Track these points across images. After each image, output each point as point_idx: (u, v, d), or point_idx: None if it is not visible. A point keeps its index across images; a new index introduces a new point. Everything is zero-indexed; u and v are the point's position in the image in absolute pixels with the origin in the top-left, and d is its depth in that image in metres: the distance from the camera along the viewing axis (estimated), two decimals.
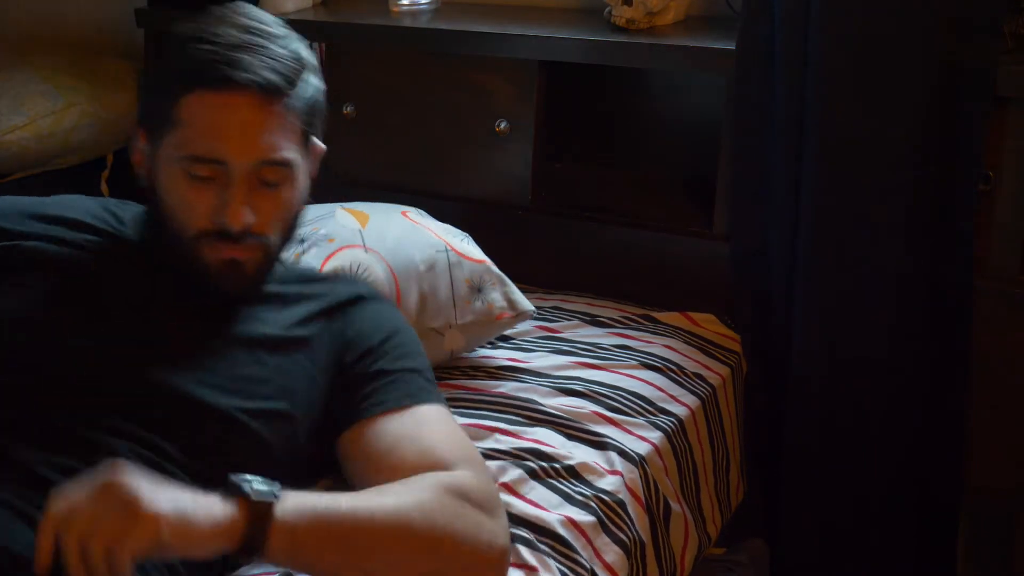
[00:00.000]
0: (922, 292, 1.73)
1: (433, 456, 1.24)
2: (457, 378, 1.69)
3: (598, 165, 2.25)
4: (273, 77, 1.26)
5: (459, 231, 1.81)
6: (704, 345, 1.85)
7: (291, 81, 1.29)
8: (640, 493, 1.50)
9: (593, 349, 1.78)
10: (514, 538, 1.29)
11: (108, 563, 0.98)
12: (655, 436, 1.59)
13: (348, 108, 2.21)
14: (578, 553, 1.35)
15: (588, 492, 1.44)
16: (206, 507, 1.05)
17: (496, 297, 1.73)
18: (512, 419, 1.56)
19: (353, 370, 1.35)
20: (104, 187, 2.42)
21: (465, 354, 1.75)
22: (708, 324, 1.90)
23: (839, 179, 1.72)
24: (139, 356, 1.25)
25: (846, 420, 1.80)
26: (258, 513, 1.06)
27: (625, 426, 1.59)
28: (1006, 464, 1.76)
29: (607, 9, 2.03)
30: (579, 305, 1.96)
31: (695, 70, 2.06)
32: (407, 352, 1.38)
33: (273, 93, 1.27)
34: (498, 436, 1.51)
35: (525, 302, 1.75)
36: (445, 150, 2.14)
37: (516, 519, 1.34)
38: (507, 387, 1.65)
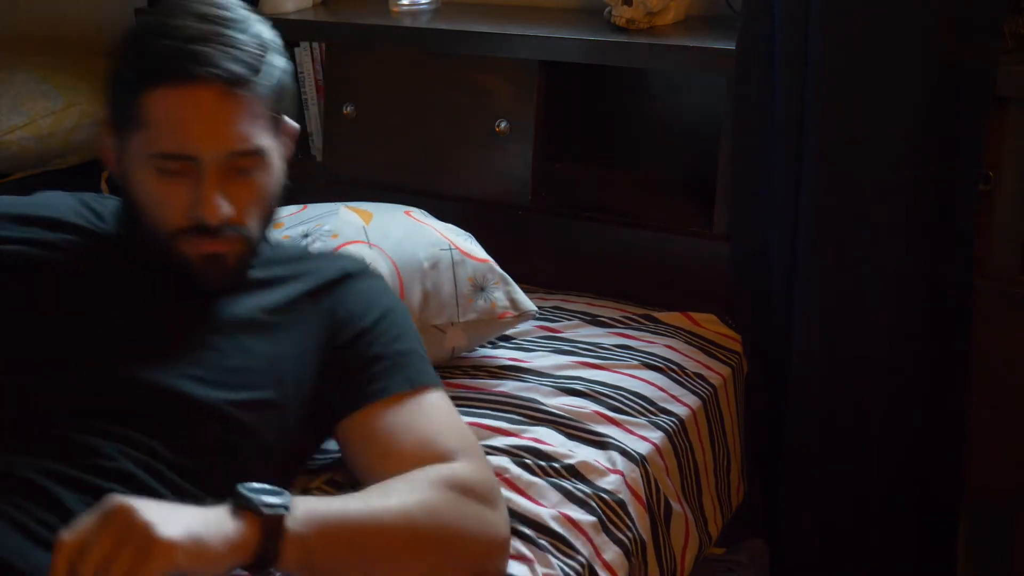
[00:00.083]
0: (922, 292, 1.73)
1: (434, 446, 1.25)
2: (458, 377, 1.69)
3: (598, 165, 2.25)
4: (236, 68, 1.24)
5: (462, 230, 1.81)
6: (705, 345, 1.86)
7: (255, 68, 1.26)
8: (641, 493, 1.50)
9: (594, 349, 1.78)
10: (514, 533, 1.30)
11: None
12: (656, 436, 1.59)
13: (348, 108, 2.21)
14: (578, 551, 1.35)
15: (589, 491, 1.44)
16: (217, 527, 1.04)
17: (499, 296, 1.73)
18: (513, 418, 1.56)
19: (347, 353, 1.33)
20: (104, 187, 2.42)
21: (466, 353, 1.75)
22: (709, 324, 1.90)
23: (839, 179, 1.72)
24: (123, 355, 1.24)
25: (846, 420, 1.80)
26: (270, 527, 1.06)
27: (626, 426, 1.59)
28: (1006, 464, 1.76)
29: (607, 9, 2.03)
30: (580, 305, 1.96)
31: (695, 70, 2.06)
32: (401, 332, 1.37)
33: (238, 83, 1.24)
34: (499, 435, 1.51)
35: (527, 302, 1.75)
36: (445, 150, 2.14)
37: (516, 516, 1.35)
38: (508, 386, 1.66)
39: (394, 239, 1.73)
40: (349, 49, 2.22)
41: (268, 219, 1.33)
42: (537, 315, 1.79)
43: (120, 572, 0.97)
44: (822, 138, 1.71)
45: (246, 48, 1.25)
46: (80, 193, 1.43)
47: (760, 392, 1.90)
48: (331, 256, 1.49)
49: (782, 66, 1.75)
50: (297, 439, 1.33)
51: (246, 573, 1.07)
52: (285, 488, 1.26)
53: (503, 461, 1.45)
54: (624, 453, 1.52)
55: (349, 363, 1.33)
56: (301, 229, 1.76)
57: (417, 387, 1.32)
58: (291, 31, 2.25)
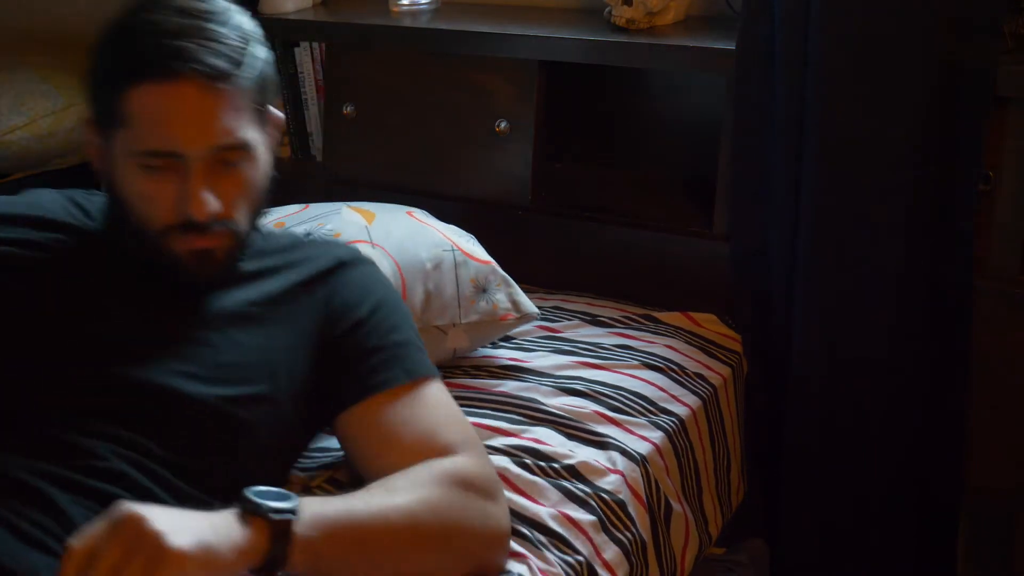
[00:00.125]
0: (922, 292, 1.73)
1: (435, 440, 1.27)
2: (459, 377, 1.69)
3: (598, 165, 2.25)
4: (218, 62, 1.22)
5: (464, 232, 1.81)
6: (705, 345, 1.86)
7: (237, 62, 1.24)
8: (641, 493, 1.50)
9: (594, 349, 1.78)
10: (513, 532, 1.31)
11: None
12: (656, 436, 1.59)
13: (348, 108, 2.21)
14: (577, 551, 1.35)
15: (589, 491, 1.44)
16: (227, 534, 1.04)
17: (501, 298, 1.73)
18: (513, 418, 1.56)
19: (344, 345, 1.33)
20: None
21: (467, 354, 1.75)
22: (709, 324, 1.90)
23: (839, 179, 1.72)
24: (115, 354, 1.23)
25: (846, 420, 1.80)
26: (278, 532, 1.07)
27: (626, 426, 1.59)
28: (1006, 464, 1.76)
29: (607, 9, 2.03)
30: (580, 305, 1.96)
31: (695, 70, 2.06)
32: (397, 322, 1.37)
33: (220, 78, 1.22)
34: (499, 435, 1.51)
35: (529, 304, 1.76)
36: (445, 150, 2.14)
37: (515, 515, 1.35)
38: (508, 386, 1.66)
39: (397, 239, 1.73)
40: (349, 49, 2.22)
41: (257, 211, 1.32)
42: (539, 317, 1.79)
43: None
44: (822, 138, 1.71)
45: (227, 41, 1.24)
46: (68, 190, 1.41)
47: (760, 392, 1.90)
48: (323, 244, 1.48)
49: (782, 66, 1.75)
50: (291, 432, 1.32)
51: None
52: (282, 483, 1.27)
53: (503, 461, 1.45)
54: (624, 453, 1.52)
55: (347, 355, 1.33)
56: (303, 229, 1.76)
57: (416, 379, 1.32)
58: (291, 31, 2.26)
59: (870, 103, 1.68)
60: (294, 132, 2.35)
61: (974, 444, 1.76)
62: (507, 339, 1.83)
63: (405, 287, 1.68)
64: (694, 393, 1.73)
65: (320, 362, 1.33)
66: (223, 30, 1.24)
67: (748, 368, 1.89)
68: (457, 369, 1.72)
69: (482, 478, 1.24)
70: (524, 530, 1.34)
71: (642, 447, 1.55)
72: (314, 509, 1.10)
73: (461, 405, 1.49)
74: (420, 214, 1.85)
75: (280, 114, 1.36)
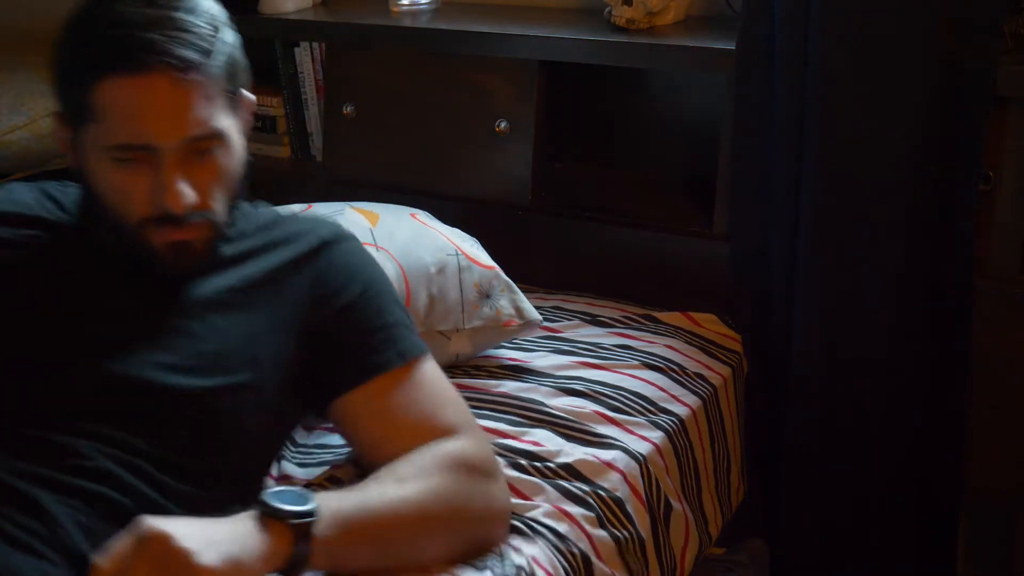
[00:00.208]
0: (922, 292, 1.73)
1: (435, 421, 1.30)
2: (458, 377, 1.69)
3: (598, 165, 2.25)
4: (188, 53, 1.19)
5: (468, 235, 1.81)
6: (705, 345, 1.86)
7: (208, 51, 1.21)
8: (641, 491, 1.51)
9: (594, 349, 1.78)
10: (511, 527, 1.33)
11: None
12: (656, 436, 1.59)
13: (348, 108, 2.21)
14: (573, 543, 1.36)
15: (587, 488, 1.44)
16: (250, 543, 1.06)
17: (504, 304, 1.73)
18: (513, 419, 1.56)
19: (334, 329, 1.33)
20: None
21: (469, 359, 1.75)
22: (709, 324, 1.90)
23: (839, 179, 1.72)
24: (95, 350, 1.22)
25: (846, 420, 1.80)
26: (300, 535, 1.09)
27: (626, 426, 1.59)
28: (1006, 464, 1.76)
29: (607, 9, 2.03)
30: (580, 305, 1.96)
31: (695, 70, 2.06)
32: (387, 303, 1.37)
33: (191, 69, 1.19)
34: (498, 437, 1.51)
35: (532, 311, 1.75)
36: (445, 150, 2.14)
37: (513, 513, 1.36)
38: (508, 387, 1.66)
39: (401, 242, 1.73)
40: (349, 49, 2.22)
41: (233, 197, 1.30)
42: (541, 324, 1.78)
43: None
44: (822, 138, 1.71)
45: (197, 30, 1.21)
46: (42, 183, 1.39)
47: (760, 392, 1.90)
48: (304, 221, 1.44)
49: (782, 66, 1.75)
50: (277, 420, 1.32)
51: None
52: (267, 469, 1.29)
53: (503, 462, 1.44)
54: (624, 452, 1.52)
55: (338, 340, 1.33)
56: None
57: (409, 360, 1.33)
58: (291, 31, 2.26)
59: (870, 103, 1.68)
60: (294, 132, 2.35)
61: (974, 444, 1.76)
62: None
63: (409, 291, 1.67)
64: (694, 393, 1.73)
65: (308, 347, 1.32)
66: (192, 19, 1.21)
67: (748, 368, 1.89)
68: (457, 369, 1.72)
69: (482, 459, 1.29)
70: (520, 524, 1.34)
71: (642, 447, 1.55)
72: (331, 508, 1.12)
73: None
74: (423, 216, 1.85)
75: (251, 96, 1.34)
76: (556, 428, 1.55)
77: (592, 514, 1.41)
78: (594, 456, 1.50)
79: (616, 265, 2.02)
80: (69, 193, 1.36)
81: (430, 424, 1.29)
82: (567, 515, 1.39)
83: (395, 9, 2.27)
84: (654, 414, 1.64)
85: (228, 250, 1.32)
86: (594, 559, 1.37)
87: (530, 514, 1.37)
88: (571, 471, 1.46)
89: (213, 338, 1.27)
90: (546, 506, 1.39)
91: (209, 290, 1.30)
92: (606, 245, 2.02)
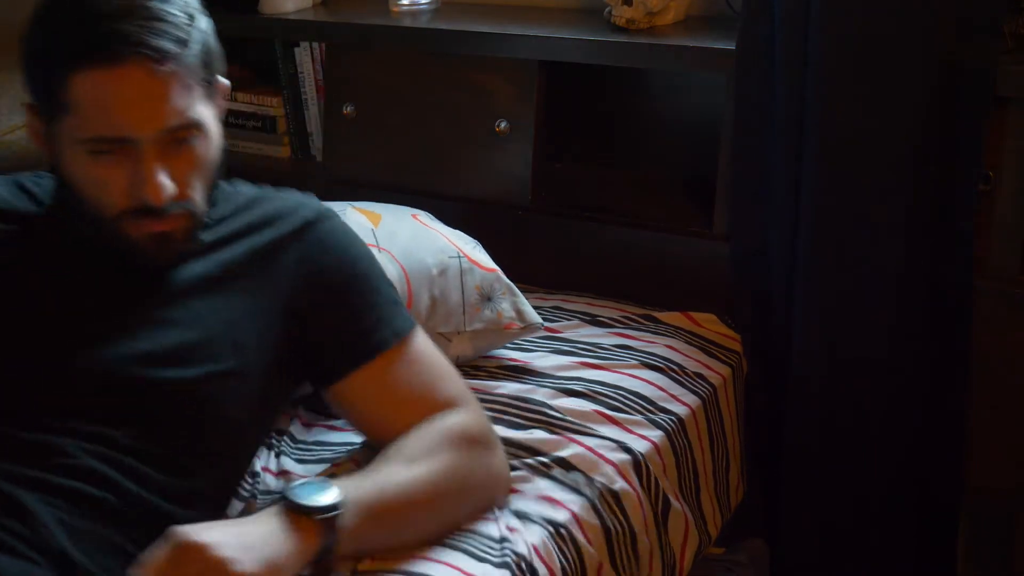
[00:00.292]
0: (922, 292, 1.73)
1: (435, 396, 1.34)
2: None
3: (598, 165, 2.25)
4: (164, 43, 1.17)
5: (469, 237, 1.81)
6: (705, 345, 1.85)
7: (183, 41, 1.19)
8: (638, 487, 1.51)
9: (594, 349, 1.78)
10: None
11: None
12: (655, 435, 1.59)
13: (348, 108, 2.21)
14: (568, 529, 1.37)
15: (582, 480, 1.45)
16: (281, 543, 1.08)
17: (505, 307, 1.73)
18: (513, 420, 1.56)
19: (327, 308, 1.33)
20: None
21: (469, 361, 1.75)
22: (709, 324, 1.90)
23: (839, 179, 1.72)
24: (75, 344, 1.21)
25: (846, 420, 1.80)
26: (328, 529, 1.11)
27: (625, 424, 1.59)
28: (1006, 464, 1.76)
29: (607, 9, 2.03)
30: (579, 305, 1.96)
31: (695, 70, 2.06)
32: (377, 280, 1.38)
33: (167, 59, 1.17)
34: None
35: (533, 314, 1.75)
36: (445, 150, 2.14)
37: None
38: (508, 387, 1.66)
39: (403, 243, 1.73)
40: (349, 49, 2.22)
41: (212, 185, 1.28)
42: (542, 327, 1.78)
43: None
44: (822, 138, 1.71)
45: (172, 20, 1.19)
46: (14, 175, 1.37)
47: (760, 392, 1.89)
48: (283, 199, 1.41)
49: (782, 66, 1.75)
50: (262, 404, 1.32)
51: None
52: (252, 455, 1.31)
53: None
54: (621, 448, 1.53)
55: (333, 320, 1.33)
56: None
57: (403, 338, 1.35)
58: (291, 31, 2.26)
59: (870, 103, 1.68)
60: (294, 132, 2.35)
61: (974, 444, 1.76)
62: None
63: (411, 293, 1.67)
64: (694, 393, 1.73)
65: (298, 327, 1.32)
66: (166, 7, 1.19)
67: (748, 368, 1.89)
68: (456, 368, 1.72)
69: (482, 431, 1.34)
70: (515, 517, 1.36)
71: (640, 445, 1.55)
72: (352, 497, 1.15)
73: None
74: (425, 217, 1.85)
75: (226, 82, 1.32)
76: (556, 428, 1.55)
77: (586, 503, 1.42)
78: (591, 451, 1.50)
79: (616, 265, 2.02)
80: (43, 185, 1.34)
81: (431, 398, 1.33)
82: (559, 503, 1.40)
83: (395, 9, 2.27)
84: (653, 413, 1.64)
85: (207, 236, 1.31)
86: (578, 535, 1.39)
87: (524, 501, 1.39)
88: (568, 466, 1.47)
89: (195, 326, 1.26)
90: (540, 494, 1.41)
91: (189, 277, 1.28)
92: (606, 245, 2.02)
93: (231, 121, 2.36)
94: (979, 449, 1.76)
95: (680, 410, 1.67)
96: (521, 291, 1.78)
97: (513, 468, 1.44)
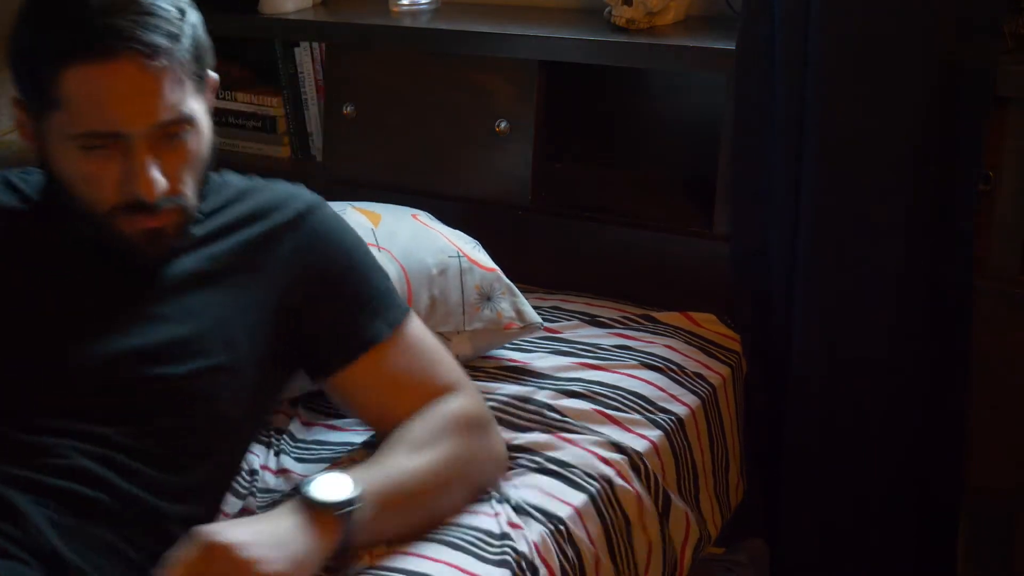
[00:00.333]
0: (922, 292, 1.73)
1: (434, 381, 1.35)
2: None
3: (598, 165, 2.25)
4: (156, 38, 1.16)
5: (468, 237, 1.81)
6: (704, 345, 1.85)
7: (175, 36, 1.18)
8: (636, 484, 1.51)
9: (593, 349, 1.78)
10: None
11: None
12: (654, 434, 1.59)
13: (348, 108, 2.21)
14: (567, 527, 1.37)
15: (582, 473, 1.46)
16: (306, 540, 1.09)
17: (505, 307, 1.73)
18: (513, 420, 1.56)
19: (323, 299, 1.33)
20: None
21: (468, 361, 1.75)
22: (708, 324, 1.90)
23: (839, 179, 1.72)
24: (66, 342, 1.21)
25: (846, 420, 1.80)
26: (347, 523, 1.13)
27: (624, 424, 1.59)
28: (1006, 464, 1.76)
29: (607, 9, 2.03)
30: (579, 305, 1.96)
31: (695, 70, 2.06)
32: (371, 270, 1.39)
33: (159, 54, 1.16)
34: None
35: (533, 314, 1.75)
36: (445, 150, 2.14)
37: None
38: (507, 388, 1.65)
39: (403, 243, 1.73)
40: (349, 49, 2.22)
41: (203, 180, 1.28)
42: (542, 328, 1.78)
43: None
44: (822, 138, 1.71)
45: (163, 14, 1.18)
46: (2, 171, 1.36)
47: (760, 392, 1.89)
48: (273, 191, 1.40)
49: (782, 66, 1.75)
50: (255, 398, 1.31)
51: None
52: (245, 450, 1.31)
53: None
54: (620, 448, 1.53)
55: (329, 311, 1.34)
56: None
57: (396, 324, 1.36)
58: (291, 31, 2.26)
59: (870, 103, 1.68)
60: (294, 132, 2.35)
61: (974, 444, 1.76)
62: None
63: (411, 292, 1.68)
64: (693, 393, 1.73)
65: (294, 318, 1.32)
66: (157, 2, 1.19)
67: (748, 368, 1.89)
68: None
69: (479, 414, 1.37)
70: (511, 512, 1.36)
71: (639, 444, 1.56)
72: (371, 490, 1.16)
73: None
74: (425, 217, 1.85)
75: (215, 75, 1.32)
76: (555, 429, 1.55)
77: (584, 496, 1.43)
78: (590, 450, 1.50)
79: (616, 265, 2.02)
80: (31, 181, 1.33)
81: (430, 384, 1.35)
82: (558, 499, 1.41)
83: (395, 9, 2.27)
84: (652, 413, 1.64)
85: (198, 230, 1.30)
86: (575, 529, 1.39)
87: (524, 498, 1.39)
88: (567, 465, 1.47)
89: (187, 321, 1.25)
90: (537, 490, 1.41)
91: (180, 272, 1.28)
92: (606, 245, 2.02)
93: (231, 121, 2.36)
94: (979, 449, 1.76)
95: (680, 410, 1.67)
96: (521, 291, 1.78)
97: (514, 468, 1.45)
